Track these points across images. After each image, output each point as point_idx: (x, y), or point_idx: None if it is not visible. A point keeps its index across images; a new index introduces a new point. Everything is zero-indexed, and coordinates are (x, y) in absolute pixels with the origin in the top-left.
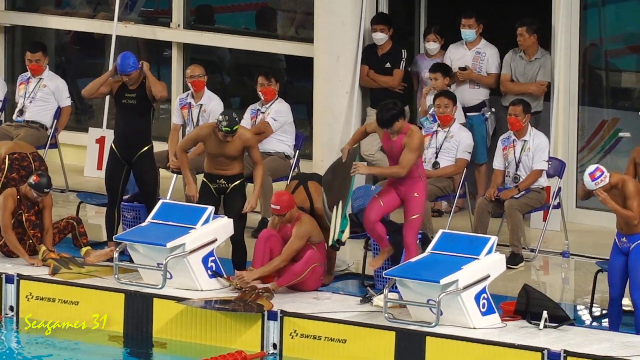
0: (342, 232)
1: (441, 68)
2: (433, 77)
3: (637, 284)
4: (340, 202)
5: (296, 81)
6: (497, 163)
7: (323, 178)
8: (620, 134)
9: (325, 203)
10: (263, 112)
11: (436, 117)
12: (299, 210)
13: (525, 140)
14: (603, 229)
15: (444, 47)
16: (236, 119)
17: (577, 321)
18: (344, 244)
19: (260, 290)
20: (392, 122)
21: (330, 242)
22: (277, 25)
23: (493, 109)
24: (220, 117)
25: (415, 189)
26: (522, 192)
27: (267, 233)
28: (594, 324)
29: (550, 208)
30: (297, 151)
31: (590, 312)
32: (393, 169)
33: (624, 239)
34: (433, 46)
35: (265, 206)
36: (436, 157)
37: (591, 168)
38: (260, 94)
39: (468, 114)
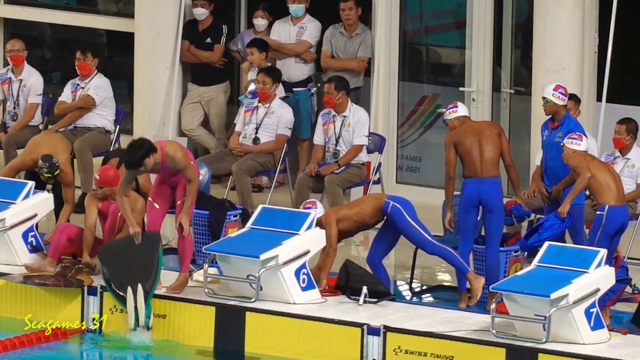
0: (147, 317)
1: (257, 43)
2: (249, 51)
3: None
4: (140, 285)
5: (117, 56)
6: (318, 138)
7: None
8: (441, 110)
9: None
10: (83, 87)
11: (256, 93)
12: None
13: (345, 116)
14: (423, 204)
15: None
16: (56, 164)
17: (397, 297)
18: (150, 329)
19: (80, 265)
20: (142, 162)
21: (132, 327)
22: (98, 1)
23: (319, 84)
24: (40, 163)
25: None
26: (343, 168)
27: (63, 226)
28: (414, 299)
29: (371, 183)
30: (118, 126)
31: (411, 288)
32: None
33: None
34: (261, 22)
35: (85, 180)
36: (256, 133)
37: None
38: (77, 68)
39: (294, 89)
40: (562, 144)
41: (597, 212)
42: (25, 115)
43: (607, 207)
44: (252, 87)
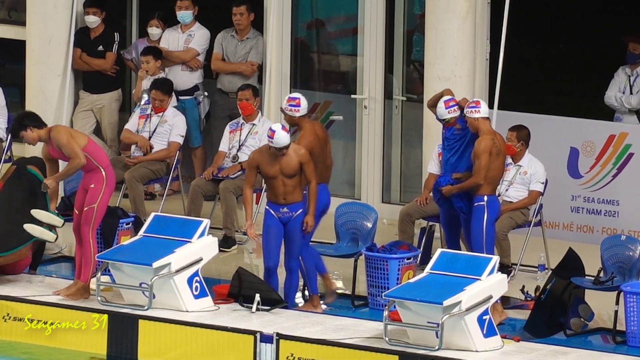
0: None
1: (152, 51)
2: (145, 60)
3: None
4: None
5: (9, 64)
6: (223, 146)
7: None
8: (332, 117)
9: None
10: None
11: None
12: None
13: (254, 124)
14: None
15: None
16: None
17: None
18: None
19: None
20: (18, 132)
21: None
22: None
23: (206, 93)
24: None
25: (92, 180)
26: (239, 173)
27: None
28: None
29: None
30: (10, 134)
31: (303, 295)
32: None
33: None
34: (156, 31)
35: None
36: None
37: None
38: None
39: (181, 97)
40: (464, 115)
41: (478, 203)
42: None
43: (486, 197)
44: (145, 97)
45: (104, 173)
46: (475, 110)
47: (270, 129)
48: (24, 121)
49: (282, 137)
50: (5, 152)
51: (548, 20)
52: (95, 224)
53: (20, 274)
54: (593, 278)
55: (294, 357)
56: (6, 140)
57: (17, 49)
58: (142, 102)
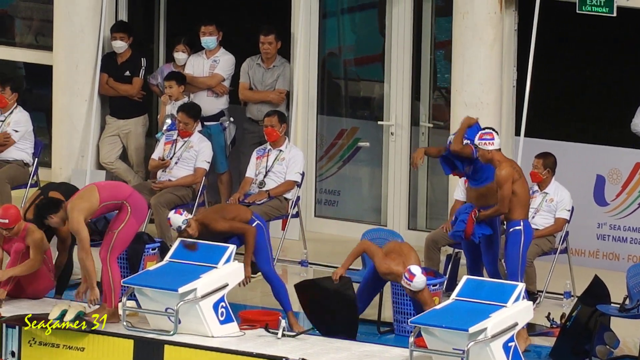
0: None
1: (175, 76)
2: (168, 85)
3: None
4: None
5: (36, 88)
6: (250, 172)
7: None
8: (360, 144)
9: None
10: (2, 121)
11: (175, 127)
12: (25, 222)
13: (281, 150)
14: (341, 237)
15: None
16: None
17: (315, 330)
18: None
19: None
20: (41, 223)
21: None
22: (16, 33)
23: (232, 118)
24: None
25: (119, 212)
26: (265, 200)
27: None
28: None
29: (289, 217)
30: (37, 159)
31: None
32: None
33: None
34: (182, 56)
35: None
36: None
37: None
38: None
39: (206, 123)
40: (475, 144)
41: (514, 228)
42: None
43: (522, 222)
44: (168, 122)
45: (127, 203)
46: (489, 143)
47: (410, 271)
48: (43, 214)
49: (420, 281)
50: (31, 176)
51: (575, 46)
52: (114, 250)
53: (42, 298)
54: (619, 305)
55: None
56: (32, 165)
57: (44, 73)
58: (165, 128)
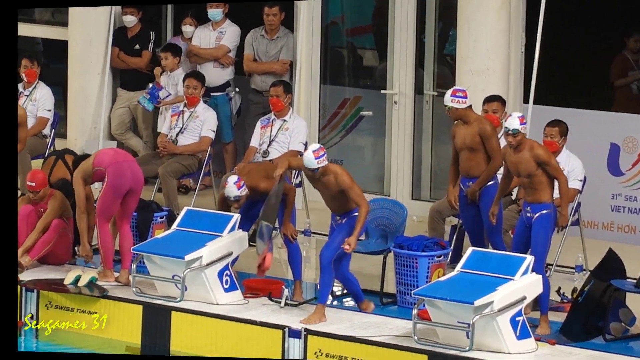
0: None
1: (171, 48)
2: (164, 56)
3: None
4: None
5: (52, 63)
6: (254, 141)
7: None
8: (362, 113)
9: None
10: (27, 96)
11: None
12: (50, 188)
13: (285, 120)
14: None
15: None
16: None
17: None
18: None
19: None
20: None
21: None
22: (35, 10)
23: (237, 89)
24: None
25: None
26: None
27: (27, 209)
28: (335, 302)
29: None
30: (54, 130)
31: (332, 291)
32: None
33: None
34: (189, 29)
35: (23, 182)
36: (177, 135)
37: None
38: (23, 75)
39: (212, 93)
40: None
41: (544, 212)
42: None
43: (552, 205)
44: (149, 85)
45: (107, 173)
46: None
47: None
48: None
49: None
50: (48, 147)
51: (587, 9)
52: (98, 216)
53: (63, 264)
54: (635, 281)
55: (322, 353)
56: (50, 136)
57: (60, 48)
58: (146, 91)
